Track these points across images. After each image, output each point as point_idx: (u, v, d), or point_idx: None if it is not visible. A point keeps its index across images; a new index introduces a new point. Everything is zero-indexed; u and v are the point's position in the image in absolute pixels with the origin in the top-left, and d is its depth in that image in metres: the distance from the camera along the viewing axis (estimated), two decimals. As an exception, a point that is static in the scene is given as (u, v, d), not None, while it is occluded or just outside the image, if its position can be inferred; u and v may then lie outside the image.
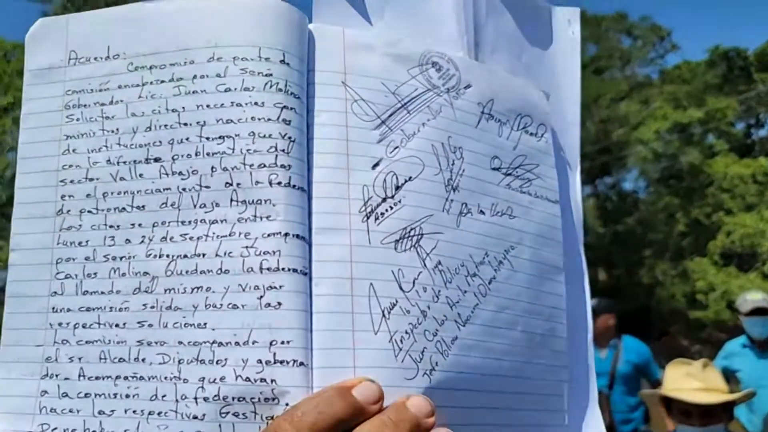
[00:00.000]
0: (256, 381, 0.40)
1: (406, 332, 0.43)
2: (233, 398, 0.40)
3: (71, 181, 0.46)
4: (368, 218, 0.44)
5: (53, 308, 0.45)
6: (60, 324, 0.44)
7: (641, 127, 18.45)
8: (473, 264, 0.47)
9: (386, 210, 0.44)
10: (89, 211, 0.45)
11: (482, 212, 0.48)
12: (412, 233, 0.45)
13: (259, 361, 0.40)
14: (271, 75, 0.43)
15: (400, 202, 0.45)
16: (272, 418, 0.39)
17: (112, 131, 0.45)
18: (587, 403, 0.56)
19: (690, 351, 13.95)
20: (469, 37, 0.52)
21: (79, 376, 0.43)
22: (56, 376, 0.44)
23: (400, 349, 0.42)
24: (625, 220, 20.15)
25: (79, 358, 0.43)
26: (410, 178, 0.45)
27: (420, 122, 0.47)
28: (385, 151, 0.45)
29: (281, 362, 0.40)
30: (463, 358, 0.45)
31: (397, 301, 0.43)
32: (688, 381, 2.50)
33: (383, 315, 0.42)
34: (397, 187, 0.45)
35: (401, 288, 0.43)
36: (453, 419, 0.42)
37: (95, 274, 0.44)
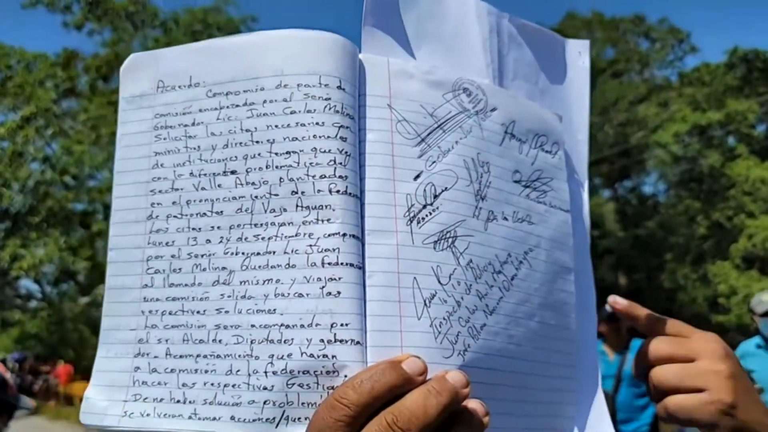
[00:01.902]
0: (319, 357, 0.47)
1: (444, 319, 0.50)
2: (299, 372, 0.47)
3: (160, 191, 0.54)
4: (411, 222, 0.51)
5: (144, 298, 0.53)
6: (150, 311, 0.52)
7: (660, 130, 18.31)
8: (498, 263, 0.55)
9: (426, 215, 0.52)
10: (175, 216, 0.53)
11: (506, 219, 0.56)
12: (448, 235, 0.52)
13: (322, 341, 0.47)
14: (329, 99, 0.51)
15: (437, 208, 0.52)
16: (333, 388, 0.46)
17: (194, 148, 0.54)
18: (594, 386, 0.64)
19: (712, 355, 13.72)
20: (494, 66, 0.60)
21: (166, 354, 0.51)
22: (147, 354, 0.52)
23: (439, 333, 0.50)
24: (646, 223, 20.02)
25: (166, 340, 0.51)
26: (446, 188, 0.53)
27: (454, 140, 0.54)
28: (424, 165, 0.53)
29: (341, 341, 0.47)
30: (489, 342, 0.52)
31: (436, 293, 0.50)
32: None
33: (425, 304, 0.50)
34: (435, 196, 0.52)
35: (439, 281, 0.51)
36: (479, 393, 0.49)
37: (180, 269, 0.52)
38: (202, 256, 0.52)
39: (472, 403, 0.46)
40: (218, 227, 0.52)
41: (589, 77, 0.69)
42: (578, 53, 0.69)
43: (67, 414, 15.32)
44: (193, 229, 0.52)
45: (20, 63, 19.73)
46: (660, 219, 19.76)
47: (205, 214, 0.52)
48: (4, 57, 19.62)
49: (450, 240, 0.52)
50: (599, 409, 0.63)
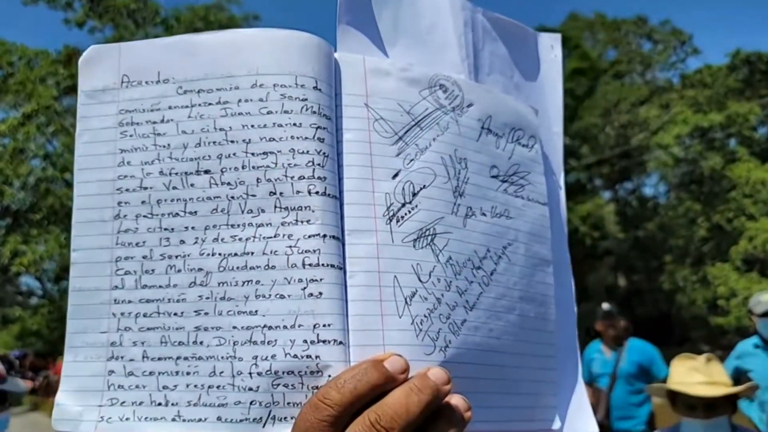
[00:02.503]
0: (302, 357, 0.47)
1: (425, 316, 0.50)
2: (283, 372, 0.47)
3: (127, 190, 0.52)
4: (391, 221, 0.51)
5: (115, 300, 0.51)
6: (122, 313, 0.51)
7: (661, 131, 18.30)
8: (478, 258, 0.54)
9: (405, 214, 0.51)
10: (145, 216, 0.52)
11: (484, 214, 0.56)
12: (427, 233, 0.52)
13: (305, 341, 0.47)
14: (306, 100, 0.50)
15: (416, 206, 0.52)
16: (317, 387, 0.46)
17: (164, 146, 0.52)
18: (574, 376, 0.64)
19: (711, 357, 13.76)
20: (469, 62, 0.60)
21: (143, 357, 0.50)
22: (121, 357, 0.51)
23: (420, 330, 0.50)
24: (646, 225, 20.01)
25: (142, 342, 0.50)
26: (424, 186, 0.53)
27: (431, 137, 0.54)
28: (402, 163, 0.52)
29: (324, 342, 0.47)
30: (470, 337, 0.52)
31: (416, 291, 0.50)
32: (693, 375, 2.55)
33: (406, 302, 0.50)
34: (414, 194, 0.52)
35: (420, 279, 0.51)
36: (461, 387, 0.49)
37: (153, 270, 0.51)
38: (177, 257, 0.51)
39: (454, 399, 0.47)
40: (192, 227, 0.51)
41: (561, 70, 0.69)
42: (550, 46, 0.70)
43: (66, 411, 15.34)
44: (165, 229, 0.51)
45: (21, 60, 19.74)
46: (660, 221, 19.75)
47: (177, 214, 0.51)
48: (5, 54, 19.62)
49: (429, 237, 0.52)
50: (580, 400, 0.63)
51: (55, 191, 19.29)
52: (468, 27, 0.60)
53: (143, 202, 0.52)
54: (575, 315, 0.66)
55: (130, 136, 0.53)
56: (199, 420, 0.48)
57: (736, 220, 17.04)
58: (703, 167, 17.92)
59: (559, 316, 0.62)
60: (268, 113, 0.50)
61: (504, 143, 0.59)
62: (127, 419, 0.50)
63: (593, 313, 4.74)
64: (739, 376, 3.67)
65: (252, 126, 0.50)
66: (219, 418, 0.48)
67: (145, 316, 0.51)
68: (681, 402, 2.53)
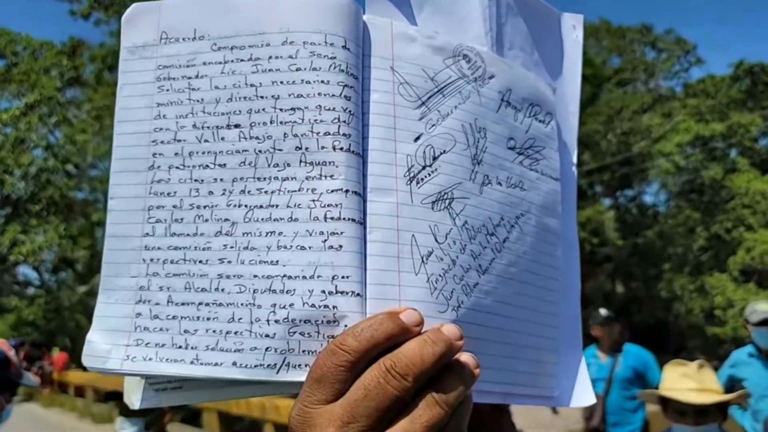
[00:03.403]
0: (320, 307, 0.49)
1: (440, 275, 0.52)
2: (300, 320, 0.49)
3: (161, 142, 0.54)
4: (411, 182, 0.52)
5: (146, 246, 0.53)
6: (152, 260, 0.53)
7: (663, 140, 18.32)
8: (492, 225, 0.56)
9: (425, 176, 0.53)
10: (177, 167, 0.54)
11: (500, 183, 0.58)
12: (445, 196, 0.53)
13: (323, 292, 0.49)
14: (335, 58, 0.52)
15: (436, 170, 0.53)
16: (332, 337, 0.48)
17: (198, 101, 0.54)
18: (576, 348, 0.66)
19: (706, 366, 13.78)
20: (492, 35, 0.61)
21: (168, 302, 0.52)
22: (148, 301, 0.53)
23: (435, 288, 0.51)
24: (645, 233, 20.01)
25: (168, 288, 0.52)
26: (445, 151, 0.54)
27: (453, 105, 0.55)
28: (424, 127, 0.54)
29: (342, 293, 0.49)
30: (481, 300, 0.54)
31: (433, 251, 0.52)
32: (684, 381, 2.57)
33: (422, 260, 0.51)
34: (434, 158, 0.54)
35: (436, 240, 0.52)
36: (469, 347, 0.50)
37: (182, 219, 0.53)
38: (205, 207, 0.52)
39: (464, 356, 0.48)
40: (221, 179, 0.52)
41: (581, 51, 0.70)
42: (572, 26, 0.71)
43: (62, 401, 15.31)
44: (196, 180, 0.53)
45: (26, 50, 19.76)
46: (659, 229, 19.76)
47: (207, 166, 0.53)
48: (10, 43, 19.64)
49: (447, 201, 0.53)
50: (580, 371, 0.65)
51: (56, 182, 19.29)
52: (493, 1, 0.61)
53: (176, 154, 0.54)
54: (579, 288, 0.67)
55: (167, 90, 0.55)
56: (216, 364, 0.50)
57: (735, 231, 17.05)
58: (704, 177, 17.94)
59: (565, 289, 0.64)
60: (297, 70, 0.52)
61: (522, 117, 0.61)
62: (150, 359, 0.51)
63: (591, 318, 4.76)
64: (733, 385, 3.69)
65: (281, 82, 0.52)
66: (234, 363, 0.49)
67: (172, 262, 0.52)
68: (672, 408, 2.55)
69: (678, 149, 17.63)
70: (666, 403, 2.58)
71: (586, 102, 20.88)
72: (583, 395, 0.64)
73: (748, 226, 16.77)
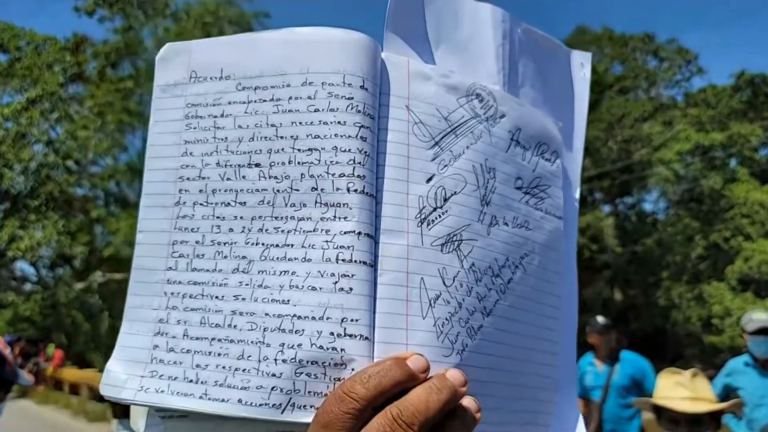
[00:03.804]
0: (328, 349, 0.49)
1: (446, 319, 0.52)
2: (308, 361, 0.49)
3: (188, 179, 0.55)
4: (422, 224, 0.53)
5: (168, 280, 0.55)
6: (172, 293, 0.54)
7: (663, 148, 18.34)
8: (497, 266, 0.57)
9: (436, 218, 0.53)
10: (201, 204, 0.55)
11: (506, 224, 0.58)
12: (454, 238, 0.54)
13: (332, 334, 0.49)
14: (352, 98, 0.52)
15: (446, 212, 0.54)
16: (339, 379, 0.48)
17: (222, 139, 0.55)
18: (571, 385, 0.66)
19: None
20: (504, 73, 0.61)
21: (184, 335, 0.53)
22: (166, 334, 0.54)
23: (441, 332, 0.52)
24: (644, 240, 20.01)
25: (185, 321, 0.53)
26: (455, 192, 0.55)
27: (465, 145, 0.56)
28: (437, 168, 0.54)
29: (350, 336, 0.49)
30: (485, 343, 0.55)
31: (440, 294, 0.52)
32: (678, 390, 2.57)
33: (430, 304, 0.52)
34: (445, 199, 0.54)
35: (444, 283, 0.53)
36: (472, 389, 0.51)
37: (203, 255, 0.54)
38: (225, 243, 0.53)
39: (466, 401, 0.49)
40: (241, 217, 0.53)
41: (589, 88, 0.71)
42: (581, 64, 0.71)
43: (56, 398, 15.29)
44: (218, 217, 0.54)
45: (29, 45, 19.75)
46: (658, 237, 19.78)
47: (229, 203, 0.54)
48: (13, 38, 19.63)
49: (456, 243, 0.54)
50: (574, 408, 0.65)
51: (56, 178, 19.28)
52: (506, 39, 0.62)
53: (200, 191, 0.55)
54: (576, 328, 0.68)
55: (194, 128, 0.56)
56: (223, 400, 0.50)
57: (733, 240, 17.07)
58: (703, 186, 17.96)
59: (565, 328, 0.64)
60: (315, 111, 0.52)
61: (530, 156, 0.61)
62: (162, 392, 0.52)
63: (588, 325, 4.77)
64: (728, 394, 3.69)
65: (300, 123, 0.53)
66: (240, 401, 0.50)
67: (191, 297, 0.53)
68: (665, 417, 2.54)
69: (678, 158, 17.65)
70: (660, 411, 2.58)
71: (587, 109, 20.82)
72: (578, 429, 0.65)
73: (747, 235, 16.79)
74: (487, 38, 0.61)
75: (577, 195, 0.70)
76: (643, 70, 22.11)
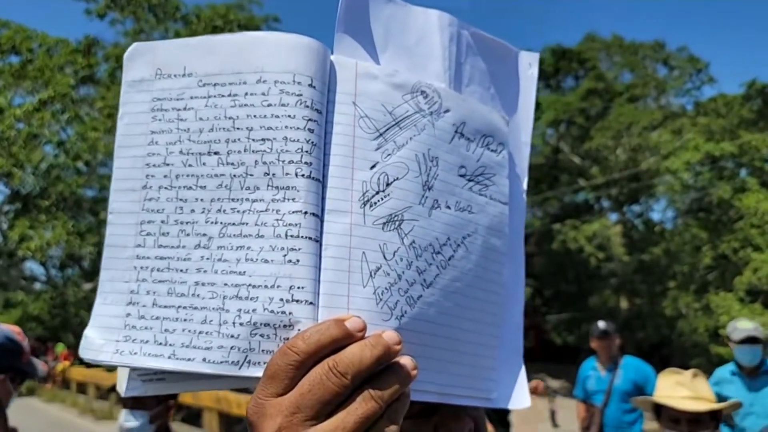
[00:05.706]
0: (278, 313, 0.56)
1: (386, 288, 0.59)
2: (261, 324, 0.56)
3: (153, 165, 0.62)
4: (365, 205, 0.60)
5: (137, 256, 0.62)
6: (142, 267, 0.61)
7: (672, 157, 18.28)
8: (438, 245, 0.63)
9: (378, 200, 0.60)
10: (165, 188, 0.62)
11: (448, 207, 0.65)
12: (395, 218, 0.60)
13: (281, 300, 0.56)
14: (301, 95, 0.59)
15: (388, 195, 0.61)
16: (288, 339, 0.55)
17: (185, 130, 0.62)
18: (517, 357, 0.73)
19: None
20: (450, 73, 0.68)
21: (153, 304, 0.60)
22: (137, 303, 0.61)
23: (381, 300, 0.59)
24: (651, 249, 19.95)
25: (154, 292, 0.60)
26: (397, 178, 0.61)
27: (408, 137, 0.63)
28: (380, 156, 0.61)
29: (297, 301, 0.56)
30: (424, 310, 0.61)
31: (381, 266, 0.59)
32: (678, 389, 2.62)
33: (371, 275, 0.59)
34: (388, 184, 0.61)
35: (384, 257, 0.59)
36: (412, 351, 0.58)
37: (168, 233, 0.61)
38: (187, 223, 0.60)
39: (404, 359, 0.55)
40: (201, 199, 0.60)
41: (536, 86, 0.78)
42: (528, 64, 0.78)
43: (63, 397, 15.42)
44: (181, 199, 0.61)
45: (41, 47, 19.96)
46: (666, 246, 19.72)
47: (191, 187, 0.61)
48: (26, 40, 19.85)
49: (397, 222, 0.60)
50: (519, 379, 0.72)
51: (66, 179, 19.46)
52: (453, 42, 0.69)
53: (165, 176, 0.62)
54: (522, 305, 0.74)
55: (159, 120, 0.63)
56: (189, 359, 0.57)
57: (742, 251, 17.00)
58: (712, 195, 17.90)
59: (507, 303, 0.71)
60: (268, 105, 0.59)
61: (474, 147, 0.68)
62: (135, 353, 0.59)
63: (590, 331, 4.81)
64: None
65: (254, 116, 0.60)
66: (204, 359, 0.57)
67: (158, 270, 0.60)
68: (665, 415, 2.58)
69: (687, 167, 17.61)
70: (660, 410, 2.62)
71: (595, 116, 20.87)
72: (521, 398, 0.71)
73: (756, 246, 16.72)
74: (434, 41, 0.68)
75: (525, 184, 0.76)
76: (652, 78, 22.11)
